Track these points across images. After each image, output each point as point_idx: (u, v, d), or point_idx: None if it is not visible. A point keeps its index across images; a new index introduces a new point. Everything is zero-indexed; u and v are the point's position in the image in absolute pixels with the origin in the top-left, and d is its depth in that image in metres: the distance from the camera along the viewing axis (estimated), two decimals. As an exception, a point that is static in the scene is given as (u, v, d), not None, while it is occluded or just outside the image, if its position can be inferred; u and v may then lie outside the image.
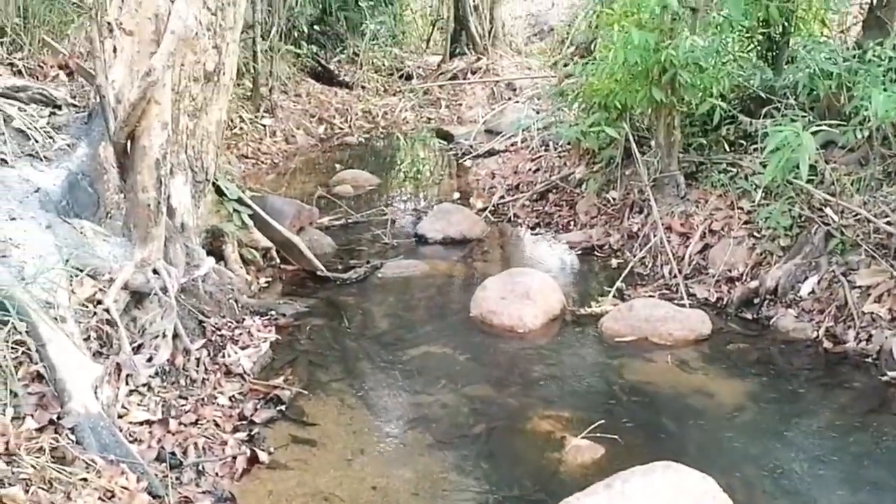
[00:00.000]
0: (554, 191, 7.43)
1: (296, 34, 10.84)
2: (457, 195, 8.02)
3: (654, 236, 5.76)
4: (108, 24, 3.89)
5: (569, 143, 7.46)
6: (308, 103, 11.11)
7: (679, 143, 6.09)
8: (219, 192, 5.25)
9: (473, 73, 12.77)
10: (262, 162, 9.06)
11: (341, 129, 11.04)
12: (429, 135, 10.83)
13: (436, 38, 15.59)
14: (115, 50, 3.92)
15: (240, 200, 5.34)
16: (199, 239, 4.89)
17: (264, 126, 9.68)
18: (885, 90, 4.52)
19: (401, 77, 13.50)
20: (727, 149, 6.12)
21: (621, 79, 5.99)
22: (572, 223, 6.85)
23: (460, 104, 12.29)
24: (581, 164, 7.30)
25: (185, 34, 3.88)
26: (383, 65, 13.42)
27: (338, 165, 9.04)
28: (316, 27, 11.57)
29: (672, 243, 5.66)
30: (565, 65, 12.46)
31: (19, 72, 5.67)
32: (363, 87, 12.44)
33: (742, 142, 6.05)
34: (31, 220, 3.56)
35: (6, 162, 3.78)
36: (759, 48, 6.36)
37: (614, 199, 6.66)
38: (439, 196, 8.15)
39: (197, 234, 4.82)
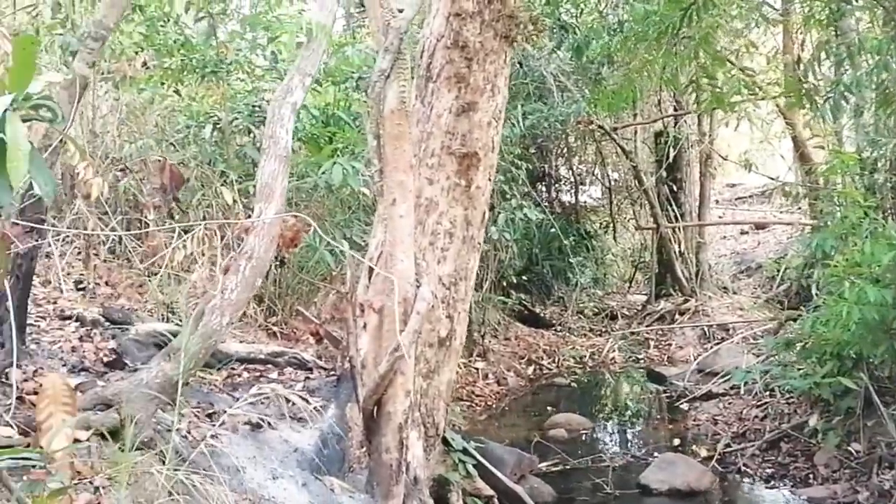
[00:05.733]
0: (786, 440, 6.96)
1: (504, 284, 11.54)
2: (676, 441, 7.73)
3: (914, 499, 5.17)
4: (360, 304, 4.51)
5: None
6: (517, 346, 11.51)
7: (932, 397, 5.61)
8: (445, 442, 5.54)
9: (682, 314, 12.68)
10: (476, 404, 9.32)
11: (549, 369, 11.21)
12: (639, 376, 10.71)
13: (638, 278, 15.85)
14: (364, 325, 4.52)
15: (464, 451, 5.60)
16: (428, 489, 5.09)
17: (477, 369, 10.09)
18: None
19: (605, 317, 13.71)
20: None
21: (855, 331, 5.73)
22: (811, 476, 6.31)
23: (669, 344, 12.13)
24: (814, 413, 6.85)
25: (426, 310, 4.39)
26: (588, 307, 13.77)
27: (549, 407, 9.11)
28: (523, 277, 12.27)
29: (937, 508, 5.05)
30: (779, 302, 12.16)
31: (273, 334, 6.43)
32: (570, 329, 12.76)
33: None
34: (290, 479, 3.97)
35: (270, 425, 4.28)
36: None
37: (858, 453, 6.13)
38: (657, 442, 7.88)
39: (427, 485, 5.04)
